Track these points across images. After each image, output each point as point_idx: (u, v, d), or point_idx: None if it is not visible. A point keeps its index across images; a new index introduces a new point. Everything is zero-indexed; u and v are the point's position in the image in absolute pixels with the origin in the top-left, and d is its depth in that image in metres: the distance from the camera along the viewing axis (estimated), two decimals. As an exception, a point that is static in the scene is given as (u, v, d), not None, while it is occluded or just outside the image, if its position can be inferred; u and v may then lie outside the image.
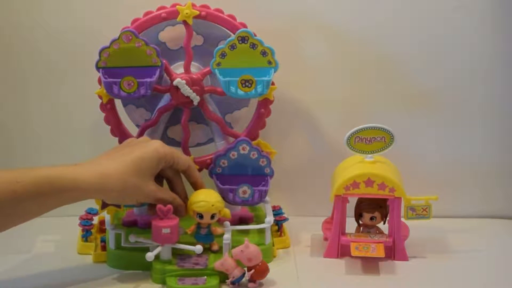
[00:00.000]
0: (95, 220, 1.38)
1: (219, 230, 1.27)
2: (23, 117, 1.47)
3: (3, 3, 1.43)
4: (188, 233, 1.27)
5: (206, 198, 1.25)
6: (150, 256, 1.22)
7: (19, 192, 1.12)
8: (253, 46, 1.31)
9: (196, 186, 1.29)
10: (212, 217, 1.26)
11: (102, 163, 1.20)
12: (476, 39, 1.45)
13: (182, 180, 1.29)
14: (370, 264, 1.30)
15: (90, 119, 1.45)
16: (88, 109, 1.43)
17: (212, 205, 1.25)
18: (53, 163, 1.19)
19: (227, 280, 1.23)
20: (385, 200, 1.31)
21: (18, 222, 1.16)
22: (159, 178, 1.27)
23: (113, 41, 1.30)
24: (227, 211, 1.28)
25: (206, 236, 1.27)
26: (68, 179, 1.15)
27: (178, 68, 1.37)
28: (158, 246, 1.24)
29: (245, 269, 1.22)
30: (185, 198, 1.28)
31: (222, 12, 1.35)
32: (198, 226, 1.27)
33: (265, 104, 1.36)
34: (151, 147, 1.23)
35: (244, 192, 1.33)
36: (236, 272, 1.22)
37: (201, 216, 1.25)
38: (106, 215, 1.29)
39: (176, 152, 1.26)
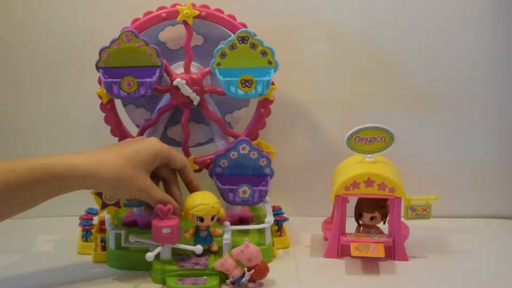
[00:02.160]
0: (95, 220, 1.38)
1: (218, 230, 1.27)
2: (23, 117, 1.47)
3: (3, 3, 1.43)
4: (187, 237, 1.27)
5: (204, 201, 1.25)
6: (150, 256, 1.22)
7: (13, 181, 1.13)
8: (253, 46, 1.31)
9: (191, 187, 1.29)
10: (212, 218, 1.26)
11: (97, 153, 1.21)
12: (476, 39, 1.45)
13: (178, 182, 1.29)
14: (370, 264, 1.30)
15: (90, 119, 1.45)
16: (88, 109, 1.43)
17: (212, 207, 1.25)
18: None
19: (227, 280, 1.23)
20: (385, 200, 1.31)
21: (14, 212, 1.17)
22: (155, 179, 1.27)
23: (113, 41, 1.30)
24: (222, 210, 1.28)
25: (206, 238, 1.27)
26: (63, 165, 1.16)
27: (178, 68, 1.37)
28: (158, 246, 1.25)
29: (245, 269, 1.22)
30: (191, 186, 1.29)
31: (222, 12, 1.35)
32: (197, 229, 1.27)
33: (265, 104, 1.36)
34: (147, 143, 1.24)
35: (244, 192, 1.33)
36: (236, 272, 1.22)
37: (201, 220, 1.25)
38: (106, 215, 1.29)
39: (173, 150, 1.26)
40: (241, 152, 1.33)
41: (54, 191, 1.17)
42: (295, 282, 1.25)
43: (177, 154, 1.27)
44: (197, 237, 1.27)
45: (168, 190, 1.28)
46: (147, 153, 1.22)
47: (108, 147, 1.24)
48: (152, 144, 1.24)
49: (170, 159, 1.25)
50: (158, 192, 1.24)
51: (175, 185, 1.28)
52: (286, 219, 1.39)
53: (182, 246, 1.25)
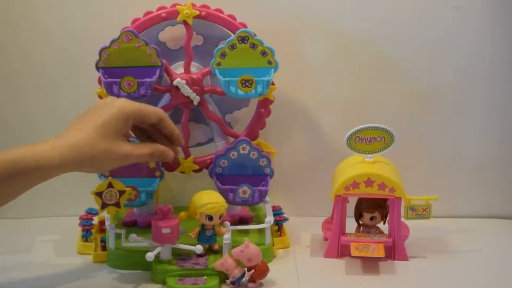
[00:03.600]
0: (95, 220, 1.38)
1: (223, 230, 1.27)
2: (24, 118, 1.47)
3: (4, 3, 1.42)
4: (192, 237, 1.27)
5: (213, 199, 1.25)
6: (150, 256, 1.22)
7: None
8: (253, 46, 1.31)
9: (172, 139, 1.23)
10: (220, 217, 1.26)
11: (69, 135, 1.17)
12: (476, 39, 1.45)
13: (167, 122, 1.23)
14: (370, 264, 1.30)
15: (90, 119, 1.45)
16: (88, 109, 1.43)
17: (222, 206, 1.25)
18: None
19: (227, 280, 1.23)
20: (385, 200, 1.31)
21: None
22: (139, 132, 1.23)
23: (113, 41, 1.30)
24: None
25: (211, 237, 1.27)
26: (32, 159, 1.13)
27: (178, 68, 1.37)
28: (158, 246, 1.25)
29: (245, 269, 1.22)
30: (172, 138, 1.24)
31: (222, 12, 1.35)
32: (203, 228, 1.27)
33: (265, 104, 1.36)
34: (116, 108, 1.18)
35: (244, 192, 1.33)
36: (236, 272, 1.22)
37: (210, 218, 1.25)
38: (106, 215, 1.29)
39: (145, 107, 1.20)
40: (241, 152, 1.33)
41: (31, 182, 1.15)
42: (295, 282, 1.25)
43: (149, 109, 1.21)
44: (202, 236, 1.27)
45: (152, 138, 1.24)
46: (117, 119, 1.17)
47: (77, 122, 1.19)
48: (120, 107, 1.18)
49: (143, 116, 1.19)
50: (143, 148, 1.20)
51: (162, 125, 1.22)
52: (286, 219, 1.39)
53: (182, 246, 1.25)
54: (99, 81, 1.33)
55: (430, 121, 1.48)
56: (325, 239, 1.38)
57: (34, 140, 1.47)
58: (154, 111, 1.21)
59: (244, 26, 1.34)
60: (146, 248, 1.25)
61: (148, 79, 1.30)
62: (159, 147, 1.21)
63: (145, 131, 1.24)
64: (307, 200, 1.49)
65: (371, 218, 1.33)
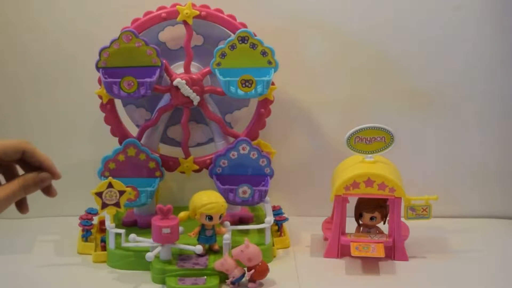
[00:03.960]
0: (95, 220, 1.38)
1: (223, 230, 1.27)
2: (24, 118, 1.47)
3: (3, 5, 1.42)
4: (192, 237, 1.27)
5: (213, 199, 1.25)
6: (150, 256, 1.22)
7: None
8: (253, 46, 1.31)
9: (46, 168, 1.02)
10: (220, 217, 1.26)
11: None
12: (476, 39, 1.45)
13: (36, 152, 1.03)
14: (370, 264, 1.30)
15: (90, 119, 1.45)
16: (88, 109, 1.43)
17: (222, 206, 1.25)
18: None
19: (227, 280, 1.23)
20: (385, 200, 1.31)
21: None
22: (8, 171, 1.03)
23: (113, 41, 1.30)
24: None
25: (211, 237, 1.27)
26: None
27: (178, 68, 1.37)
28: (158, 246, 1.25)
29: (245, 269, 1.22)
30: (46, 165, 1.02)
31: (222, 12, 1.35)
32: (203, 228, 1.27)
33: (265, 104, 1.36)
34: None
35: (244, 192, 1.33)
36: (236, 272, 1.22)
37: (210, 218, 1.25)
38: (106, 215, 1.29)
39: None
40: (241, 152, 1.33)
41: None
42: (295, 282, 1.25)
43: (2, 147, 0.99)
44: (202, 236, 1.27)
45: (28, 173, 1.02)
46: None
47: None
48: None
49: None
50: (8, 188, 0.99)
51: (28, 158, 1.01)
52: (286, 219, 1.39)
53: (182, 246, 1.25)
54: (99, 81, 1.33)
55: (430, 121, 1.48)
56: (325, 239, 1.38)
57: (31, 142, 1.47)
58: (13, 146, 1.00)
59: (244, 26, 1.34)
60: (146, 248, 1.25)
61: (148, 79, 1.30)
62: (28, 175, 1.00)
63: (14, 170, 1.03)
64: (307, 200, 1.49)
65: (371, 218, 1.33)
